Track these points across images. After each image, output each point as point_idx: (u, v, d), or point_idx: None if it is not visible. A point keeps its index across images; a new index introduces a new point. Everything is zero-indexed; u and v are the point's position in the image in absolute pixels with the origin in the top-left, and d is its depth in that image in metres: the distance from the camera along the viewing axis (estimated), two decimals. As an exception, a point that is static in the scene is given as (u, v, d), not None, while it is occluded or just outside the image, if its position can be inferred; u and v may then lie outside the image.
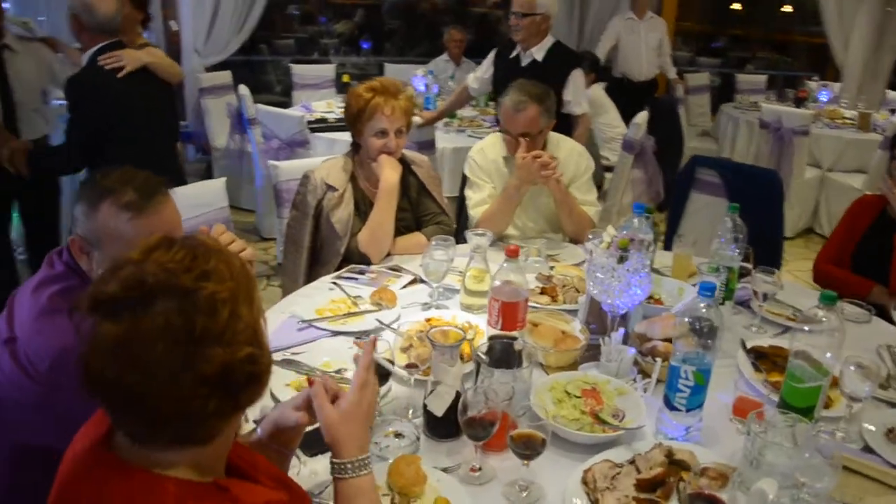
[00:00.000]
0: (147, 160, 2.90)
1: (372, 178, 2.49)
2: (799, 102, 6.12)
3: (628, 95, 5.67)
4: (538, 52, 3.61)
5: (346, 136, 4.27)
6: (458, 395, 1.48)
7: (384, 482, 1.35)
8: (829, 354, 1.50)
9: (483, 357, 1.52)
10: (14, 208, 3.54)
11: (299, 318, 2.02)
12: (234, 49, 6.17)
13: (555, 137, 2.73)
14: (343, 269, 2.38)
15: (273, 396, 1.65)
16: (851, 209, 2.82)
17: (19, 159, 3.04)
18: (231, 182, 3.02)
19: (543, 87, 2.59)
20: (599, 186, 4.40)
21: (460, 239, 2.37)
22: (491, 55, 3.88)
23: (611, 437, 1.49)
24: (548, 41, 3.62)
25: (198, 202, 2.60)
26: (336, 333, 1.95)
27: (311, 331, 1.97)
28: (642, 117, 4.29)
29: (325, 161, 2.58)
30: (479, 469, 1.42)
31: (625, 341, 1.79)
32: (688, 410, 1.49)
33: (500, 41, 4.58)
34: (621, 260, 1.72)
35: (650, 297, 2.14)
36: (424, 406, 1.52)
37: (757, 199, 3.15)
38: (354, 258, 2.44)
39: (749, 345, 1.94)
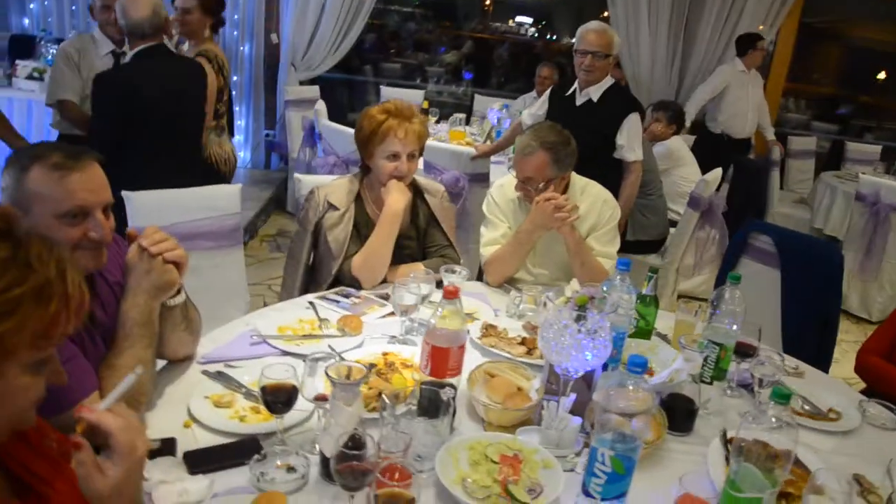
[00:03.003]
0: (169, 156, 3.07)
1: (379, 202, 2.41)
2: (912, 177, 5.61)
3: (720, 152, 5.37)
4: (595, 93, 3.45)
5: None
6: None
7: (245, 518, 1.25)
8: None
9: (387, 402, 1.39)
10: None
11: (258, 332, 1.96)
12: (328, 67, 6.34)
13: (580, 182, 2.56)
14: (331, 290, 2.31)
15: (189, 410, 1.58)
16: None
17: None
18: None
19: (564, 136, 2.43)
20: (662, 241, 4.16)
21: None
22: (547, 92, 3.75)
23: (512, 513, 1.32)
24: (606, 82, 3.45)
25: (210, 205, 2.61)
26: (285, 353, 1.87)
27: (263, 347, 1.90)
28: (714, 174, 4.03)
29: (334, 180, 2.53)
30: (357, 524, 1.29)
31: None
32: (603, 500, 1.30)
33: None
34: (578, 319, 1.55)
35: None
36: (324, 444, 1.41)
37: (813, 272, 2.87)
38: (346, 280, 2.36)
39: (730, 434, 1.70)
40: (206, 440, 1.51)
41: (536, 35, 10.19)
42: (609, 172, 3.20)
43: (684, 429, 1.72)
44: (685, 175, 4.61)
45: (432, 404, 1.49)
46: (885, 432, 1.89)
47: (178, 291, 1.67)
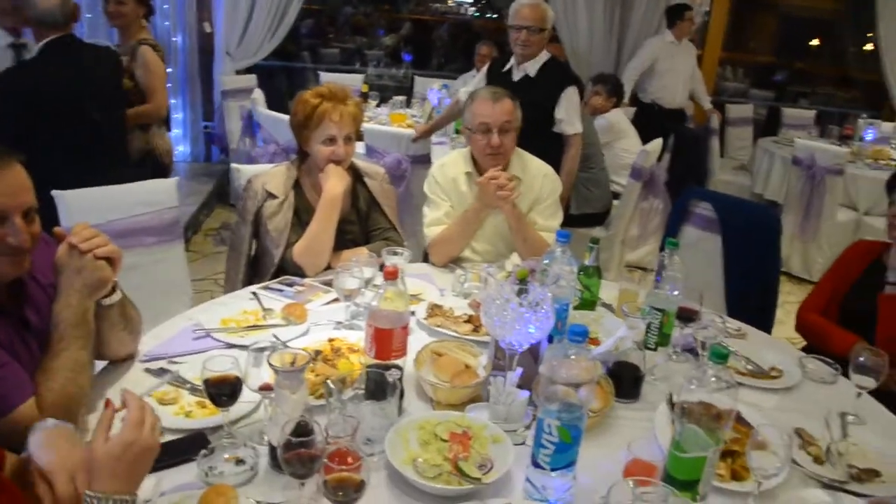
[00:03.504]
0: (94, 152, 2.99)
1: (319, 188, 2.37)
2: (843, 140, 5.77)
3: (657, 122, 5.46)
4: (531, 68, 3.45)
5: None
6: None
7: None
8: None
9: (332, 387, 1.38)
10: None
11: (201, 326, 1.92)
12: (265, 53, 6.21)
13: (522, 156, 2.57)
14: (274, 280, 2.28)
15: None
16: (846, 254, 2.57)
17: None
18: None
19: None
20: (607, 213, 4.21)
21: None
22: (485, 69, 3.74)
23: (462, 490, 1.33)
24: (542, 56, 3.45)
25: (147, 199, 2.55)
26: (230, 346, 1.83)
27: (207, 341, 1.87)
28: (654, 145, 4.08)
29: (272, 168, 2.48)
30: (306, 511, 1.28)
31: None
32: (553, 469, 1.31)
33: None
34: (520, 293, 1.55)
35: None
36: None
37: (752, 236, 2.94)
38: (290, 269, 2.33)
39: (677, 398, 1.74)
40: (151, 439, 1.47)
41: (477, 14, 10.19)
42: (550, 147, 3.20)
43: (631, 395, 1.75)
44: (627, 147, 4.66)
45: (379, 387, 1.48)
46: (825, 386, 1.96)
47: (114, 290, 1.62)
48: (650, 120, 5.58)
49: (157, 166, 3.52)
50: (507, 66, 3.54)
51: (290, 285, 2.24)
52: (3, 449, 1.11)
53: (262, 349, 1.48)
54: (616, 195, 4.36)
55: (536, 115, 3.33)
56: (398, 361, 1.59)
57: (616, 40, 6.41)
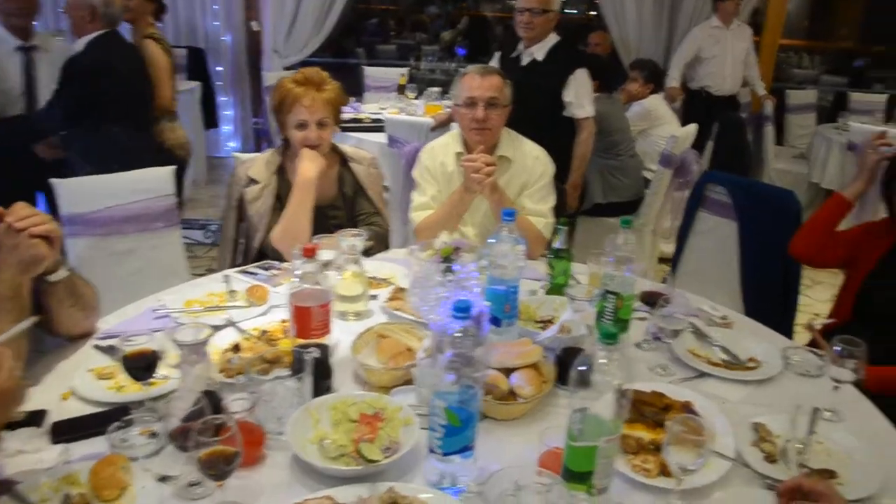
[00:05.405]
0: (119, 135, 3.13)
1: (299, 173, 2.38)
2: (914, 126, 5.40)
3: (705, 109, 5.25)
4: (539, 52, 3.36)
5: (376, 137, 4.29)
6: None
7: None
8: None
9: (236, 362, 1.37)
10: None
11: (165, 306, 1.96)
12: (312, 49, 6.30)
13: (511, 137, 2.50)
14: (254, 264, 2.29)
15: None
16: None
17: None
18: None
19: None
20: (640, 202, 4.06)
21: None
22: (496, 55, 3.66)
23: (357, 471, 1.29)
24: (550, 39, 3.35)
25: (143, 187, 2.61)
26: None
27: (166, 321, 1.89)
28: (686, 131, 3.92)
29: (257, 154, 2.51)
30: (198, 483, 1.27)
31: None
32: (445, 454, 1.25)
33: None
34: (446, 272, 1.50)
35: (548, 320, 1.91)
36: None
37: (770, 222, 2.78)
38: (270, 254, 2.34)
39: (627, 388, 1.64)
40: (79, 411, 1.51)
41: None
42: (562, 133, 3.12)
43: (579, 383, 1.66)
44: (664, 134, 4.47)
45: (300, 366, 1.47)
46: (808, 379, 1.81)
47: (58, 267, 1.66)
48: (699, 107, 5.38)
49: (169, 160, 3.60)
50: (516, 52, 3.46)
51: (267, 269, 2.25)
52: None
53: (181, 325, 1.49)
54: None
55: (546, 101, 3.26)
56: (328, 342, 1.57)
57: (666, 28, 6.19)
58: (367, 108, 5.12)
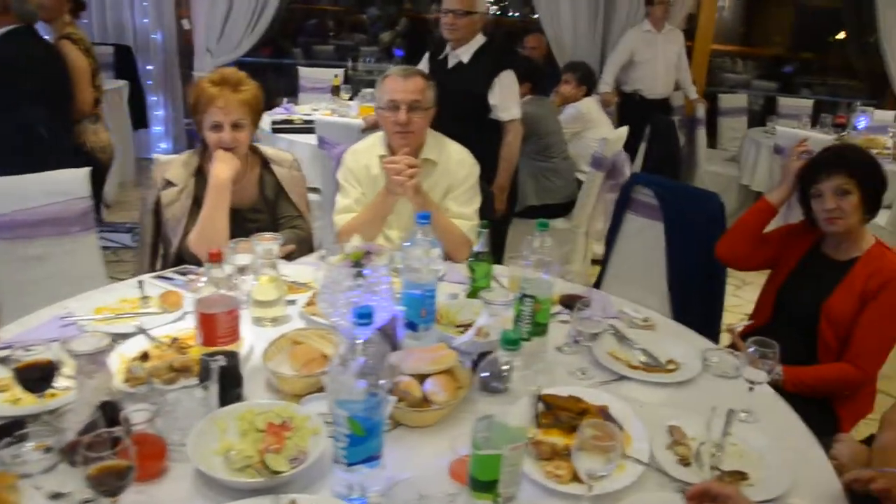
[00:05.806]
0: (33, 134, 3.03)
1: (218, 175, 2.32)
2: (836, 129, 5.57)
3: (638, 112, 5.33)
4: (465, 54, 3.33)
5: (306, 139, 4.23)
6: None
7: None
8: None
9: (138, 373, 1.32)
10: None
11: (73, 314, 1.88)
12: (246, 49, 6.18)
13: (437, 139, 2.48)
14: (171, 269, 2.22)
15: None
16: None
17: None
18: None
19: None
20: (572, 204, 4.09)
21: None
22: (425, 57, 3.64)
23: (260, 483, 1.25)
24: (476, 41, 3.33)
25: (56, 189, 2.50)
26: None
27: (71, 329, 1.81)
28: (617, 133, 3.96)
29: (174, 157, 2.43)
30: (91, 501, 1.21)
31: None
32: (350, 464, 1.22)
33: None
34: (357, 276, 1.47)
35: (468, 325, 1.88)
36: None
37: (694, 224, 2.82)
38: (188, 258, 2.27)
39: (546, 392, 1.63)
40: (-31, 427, 1.42)
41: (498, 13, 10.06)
42: (489, 136, 3.11)
43: (495, 389, 1.65)
44: (597, 137, 4.51)
45: (205, 374, 1.42)
46: (726, 381, 1.83)
47: None
48: (632, 110, 5.47)
49: (89, 162, 3.48)
50: (443, 54, 3.45)
51: (185, 274, 2.18)
52: None
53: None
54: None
55: (471, 103, 3.25)
56: (238, 349, 1.53)
57: (601, 31, 6.27)
58: (300, 110, 5.04)
